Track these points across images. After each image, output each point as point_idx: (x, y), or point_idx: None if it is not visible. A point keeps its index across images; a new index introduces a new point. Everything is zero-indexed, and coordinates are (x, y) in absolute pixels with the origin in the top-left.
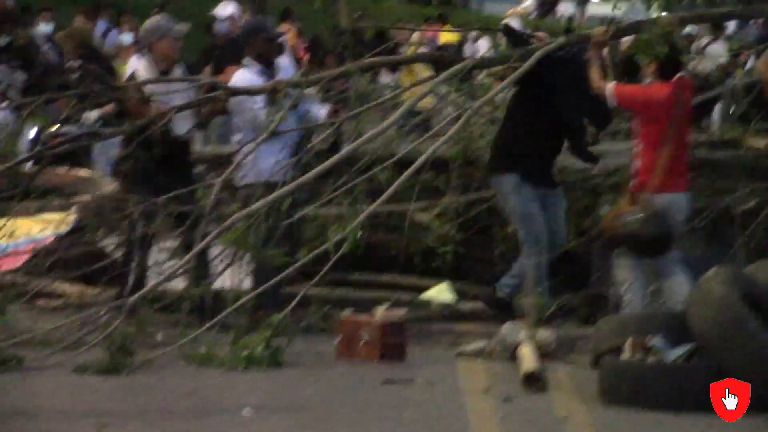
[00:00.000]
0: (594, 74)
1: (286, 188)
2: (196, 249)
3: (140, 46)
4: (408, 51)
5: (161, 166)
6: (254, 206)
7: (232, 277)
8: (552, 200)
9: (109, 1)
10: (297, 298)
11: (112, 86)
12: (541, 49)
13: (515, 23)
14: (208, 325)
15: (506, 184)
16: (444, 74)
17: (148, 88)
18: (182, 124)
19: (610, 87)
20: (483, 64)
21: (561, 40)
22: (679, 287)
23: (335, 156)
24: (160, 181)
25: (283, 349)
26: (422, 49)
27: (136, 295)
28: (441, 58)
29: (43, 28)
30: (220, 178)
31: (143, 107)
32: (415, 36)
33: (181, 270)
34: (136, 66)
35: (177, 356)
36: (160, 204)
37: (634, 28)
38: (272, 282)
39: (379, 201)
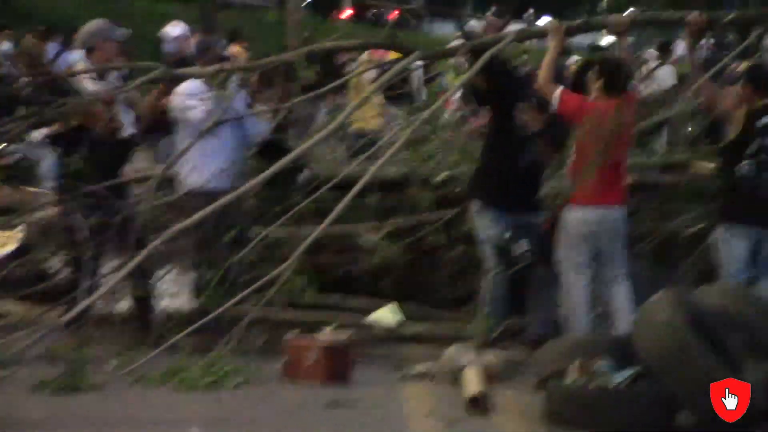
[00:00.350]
0: (544, 70)
1: (222, 200)
2: (133, 262)
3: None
4: (357, 70)
5: (99, 170)
6: (189, 220)
7: (176, 297)
8: (523, 224)
9: (59, 25)
10: (243, 323)
11: (60, 91)
12: (493, 47)
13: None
14: (157, 351)
15: (473, 208)
16: (396, 66)
17: (90, 91)
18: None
19: (557, 92)
20: (432, 55)
21: (512, 35)
22: (622, 306)
23: (272, 167)
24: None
25: (235, 371)
26: (371, 69)
27: (71, 312)
28: (392, 45)
29: (4, 46)
30: (158, 174)
31: (91, 109)
32: (364, 55)
33: (118, 285)
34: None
35: (123, 375)
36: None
37: (588, 25)
38: (214, 314)
39: (321, 227)
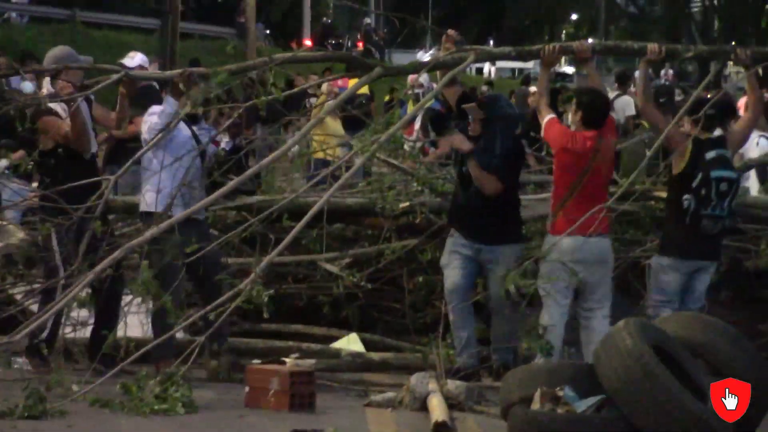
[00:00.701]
0: (539, 93)
1: (168, 221)
2: (83, 283)
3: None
4: (317, 101)
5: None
6: (135, 241)
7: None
8: (485, 257)
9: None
10: (192, 348)
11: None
12: (455, 66)
13: (423, 79)
14: (105, 376)
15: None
16: (358, 82)
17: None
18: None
19: (547, 119)
20: (393, 71)
21: (471, 57)
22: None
23: (223, 188)
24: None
25: (187, 396)
26: (330, 99)
27: (21, 332)
28: (352, 60)
29: None
30: (112, 179)
31: (52, 122)
32: (324, 86)
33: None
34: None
35: (87, 401)
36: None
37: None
38: (169, 334)
39: (273, 253)
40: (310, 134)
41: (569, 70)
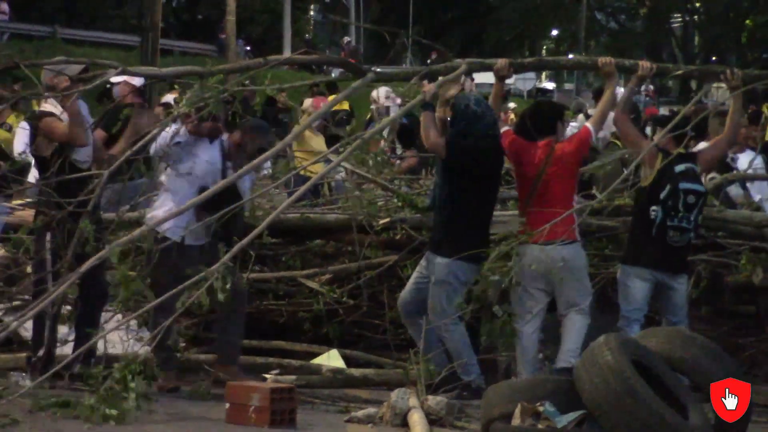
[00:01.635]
0: (492, 102)
1: (142, 228)
2: (66, 283)
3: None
4: (301, 118)
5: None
6: (116, 243)
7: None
8: (430, 266)
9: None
10: (162, 358)
11: None
12: (443, 78)
13: (382, 92)
14: (40, 379)
15: None
16: (351, 87)
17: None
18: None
19: (503, 130)
20: (384, 77)
21: (463, 67)
22: (564, 337)
23: (188, 202)
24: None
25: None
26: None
27: None
28: (347, 65)
29: None
30: (105, 173)
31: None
32: (306, 102)
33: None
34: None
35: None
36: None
37: (536, 65)
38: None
39: (227, 257)
40: (291, 150)
41: (549, 85)
